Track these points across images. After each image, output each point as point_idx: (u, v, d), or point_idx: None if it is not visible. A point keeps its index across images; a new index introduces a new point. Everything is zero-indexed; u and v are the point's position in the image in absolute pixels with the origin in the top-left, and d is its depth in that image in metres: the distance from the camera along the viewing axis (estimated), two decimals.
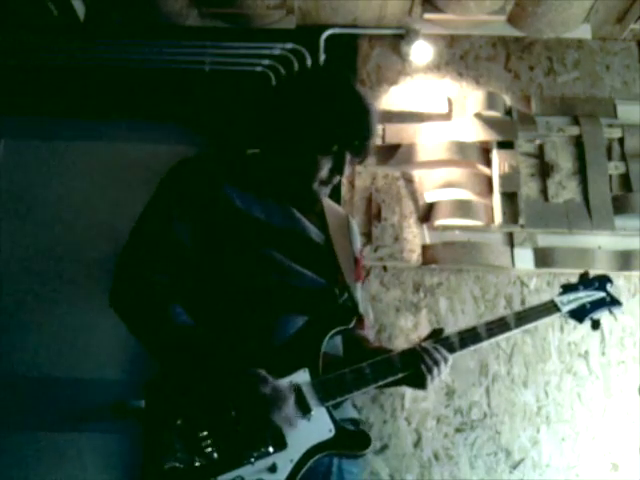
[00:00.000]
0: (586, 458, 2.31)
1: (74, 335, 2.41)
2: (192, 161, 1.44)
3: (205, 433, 1.19)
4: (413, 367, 1.36)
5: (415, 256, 2.47)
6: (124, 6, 2.61)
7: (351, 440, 1.28)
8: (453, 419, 2.34)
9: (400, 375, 1.36)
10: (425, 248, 2.48)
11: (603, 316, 1.61)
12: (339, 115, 1.36)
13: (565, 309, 1.56)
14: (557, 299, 1.57)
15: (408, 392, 2.33)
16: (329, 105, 1.36)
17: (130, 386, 2.27)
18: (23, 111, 2.61)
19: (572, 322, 1.59)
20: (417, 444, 2.32)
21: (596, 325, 1.60)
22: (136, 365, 2.30)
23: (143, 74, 2.61)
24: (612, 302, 1.61)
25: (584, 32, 2.68)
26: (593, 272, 1.66)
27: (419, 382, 1.38)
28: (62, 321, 2.43)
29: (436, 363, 1.36)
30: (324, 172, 1.39)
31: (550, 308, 1.55)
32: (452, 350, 1.41)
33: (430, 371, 1.35)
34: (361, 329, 1.58)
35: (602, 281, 1.63)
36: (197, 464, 1.17)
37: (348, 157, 1.39)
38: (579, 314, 1.58)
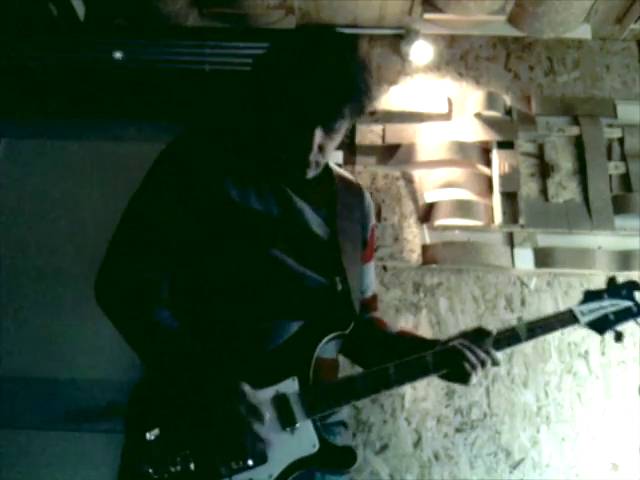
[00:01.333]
0: (586, 458, 2.30)
1: (73, 335, 2.41)
2: (181, 145, 1.32)
3: (183, 444, 1.15)
4: (447, 367, 1.33)
5: (415, 256, 2.47)
6: (124, 6, 2.61)
7: (335, 456, 1.22)
8: (453, 419, 2.33)
9: (401, 383, 1.30)
10: (425, 248, 2.48)
11: (628, 327, 1.45)
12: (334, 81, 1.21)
13: (584, 320, 1.43)
14: (577, 309, 1.44)
15: (408, 392, 2.33)
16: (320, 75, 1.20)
17: (129, 386, 2.26)
18: (23, 111, 2.61)
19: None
20: (417, 444, 2.31)
21: (619, 337, 1.45)
22: (136, 365, 2.29)
23: (143, 74, 2.62)
24: (639, 312, 1.46)
25: (584, 32, 2.68)
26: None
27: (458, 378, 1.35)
28: (61, 321, 2.43)
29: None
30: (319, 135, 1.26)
31: (567, 319, 1.43)
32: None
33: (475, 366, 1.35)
34: (374, 310, 1.53)
35: (630, 289, 1.49)
36: (172, 476, 1.13)
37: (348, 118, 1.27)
38: (601, 325, 1.44)
